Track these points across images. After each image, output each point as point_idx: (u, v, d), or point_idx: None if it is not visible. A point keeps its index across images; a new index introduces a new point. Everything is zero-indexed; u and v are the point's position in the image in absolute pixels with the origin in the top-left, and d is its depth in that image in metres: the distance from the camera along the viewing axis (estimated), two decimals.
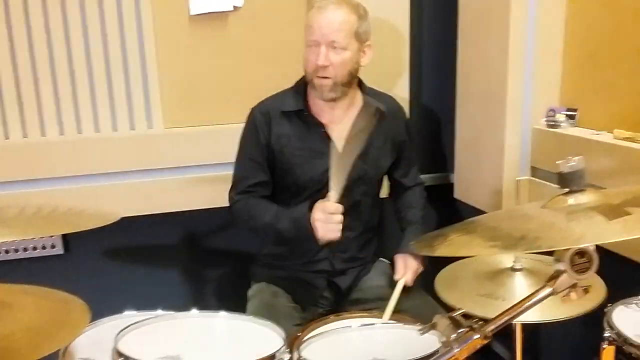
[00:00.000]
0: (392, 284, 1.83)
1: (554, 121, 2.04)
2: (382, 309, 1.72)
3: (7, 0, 2.04)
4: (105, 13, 2.12)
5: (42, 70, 2.12)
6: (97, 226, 1.15)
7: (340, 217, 1.71)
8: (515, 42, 2.01)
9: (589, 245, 1.04)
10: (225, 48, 2.23)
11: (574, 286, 1.06)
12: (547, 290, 1.06)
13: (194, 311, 1.51)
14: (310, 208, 1.76)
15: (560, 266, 1.05)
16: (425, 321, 1.65)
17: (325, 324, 1.67)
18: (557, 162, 1.12)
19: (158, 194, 2.25)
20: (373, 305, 1.85)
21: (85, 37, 2.12)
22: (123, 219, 2.21)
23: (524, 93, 2.05)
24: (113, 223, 2.16)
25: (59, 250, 2.31)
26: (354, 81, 1.86)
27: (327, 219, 1.71)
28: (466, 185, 2.38)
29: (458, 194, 2.43)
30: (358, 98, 1.91)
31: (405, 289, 1.82)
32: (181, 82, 2.23)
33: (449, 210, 2.50)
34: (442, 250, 1.19)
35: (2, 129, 2.13)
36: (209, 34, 2.21)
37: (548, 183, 2.03)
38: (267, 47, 2.25)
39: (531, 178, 2.13)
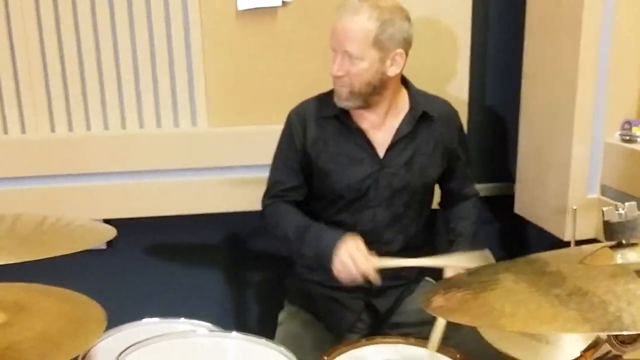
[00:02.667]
0: None
1: (629, 135, 1.82)
2: (422, 335, 1.54)
3: None
4: (152, 8, 2.07)
5: (88, 65, 2.09)
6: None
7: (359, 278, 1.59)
8: (588, 44, 1.79)
9: None
10: (274, 45, 2.13)
11: None
12: None
13: (204, 330, 1.42)
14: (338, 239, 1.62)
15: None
16: (469, 354, 1.50)
17: (355, 348, 1.54)
18: (603, 209, 0.91)
19: (200, 194, 2.19)
20: (414, 330, 1.70)
21: (131, 32, 2.09)
22: (164, 217, 2.22)
23: (595, 102, 1.84)
24: (156, 222, 2.18)
25: (102, 245, 2.30)
26: (385, 89, 1.69)
27: (348, 268, 1.58)
28: (528, 200, 2.18)
29: (519, 208, 2.23)
30: (402, 102, 1.76)
31: None
32: (227, 79, 2.15)
33: (507, 226, 2.30)
34: (509, 323, 0.83)
35: (48, 123, 2.13)
36: (257, 30, 2.11)
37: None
38: (317, 44, 2.13)
39: (601, 197, 1.91)
